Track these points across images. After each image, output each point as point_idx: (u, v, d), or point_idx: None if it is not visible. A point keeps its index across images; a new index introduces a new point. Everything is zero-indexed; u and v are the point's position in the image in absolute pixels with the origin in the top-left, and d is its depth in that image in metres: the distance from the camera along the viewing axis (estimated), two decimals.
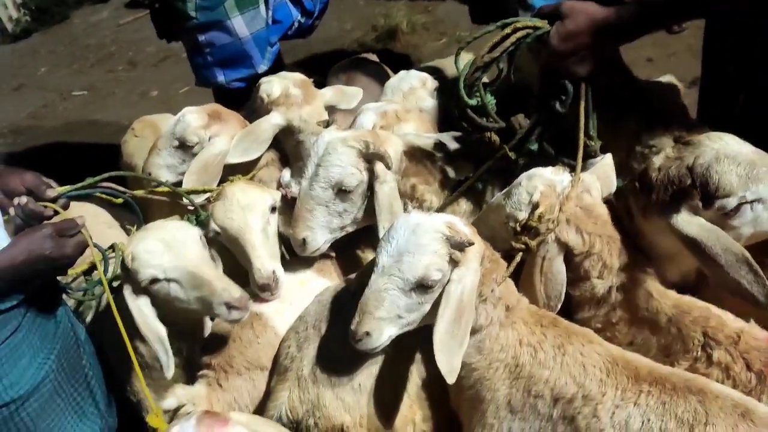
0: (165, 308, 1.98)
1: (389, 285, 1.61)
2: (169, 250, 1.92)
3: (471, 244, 1.61)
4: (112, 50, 7.84)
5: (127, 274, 1.94)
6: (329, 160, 2.08)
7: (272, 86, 2.65)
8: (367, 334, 1.62)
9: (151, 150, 2.67)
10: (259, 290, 2.14)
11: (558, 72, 1.93)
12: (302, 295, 2.15)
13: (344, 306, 1.90)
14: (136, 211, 2.21)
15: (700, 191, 1.64)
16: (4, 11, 9.26)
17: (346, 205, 2.13)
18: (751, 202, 1.63)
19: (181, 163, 2.61)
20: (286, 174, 2.67)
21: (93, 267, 2.02)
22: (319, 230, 2.14)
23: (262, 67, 3.41)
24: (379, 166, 2.09)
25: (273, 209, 2.27)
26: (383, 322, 1.62)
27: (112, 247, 2.07)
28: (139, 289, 1.94)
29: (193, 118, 2.57)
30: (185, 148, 2.58)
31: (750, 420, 1.45)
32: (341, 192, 2.09)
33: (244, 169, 2.59)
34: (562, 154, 2.02)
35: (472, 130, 2.09)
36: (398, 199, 2.15)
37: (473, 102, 2.04)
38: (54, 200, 1.86)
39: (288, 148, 2.68)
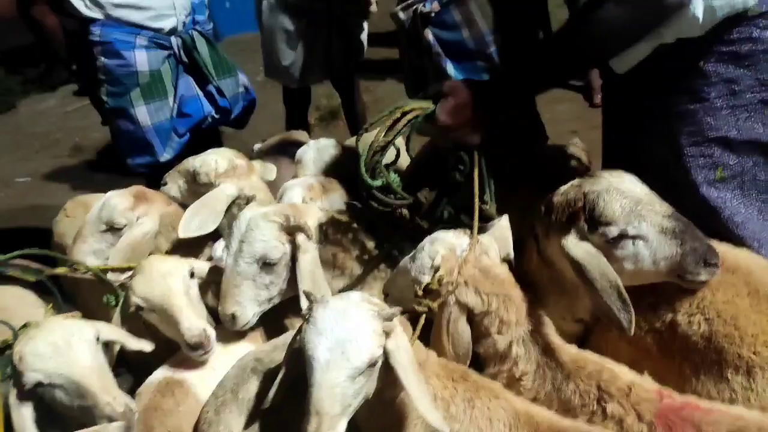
0: (52, 408, 1.95)
1: (339, 378, 1.53)
2: (58, 355, 1.88)
3: (401, 312, 1.66)
4: (58, 137, 7.88)
5: (14, 374, 1.91)
6: (252, 235, 2.17)
7: (216, 160, 2.75)
8: None
9: (76, 238, 2.70)
10: (191, 350, 2.13)
11: (452, 144, 2.10)
12: (226, 360, 2.15)
13: (263, 372, 1.92)
14: (53, 292, 2.21)
15: (587, 215, 1.80)
16: None
17: (271, 277, 2.20)
18: (633, 237, 1.77)
19: (109, 247, 2.65)
20: (219, 247, 2.71)
21: (6, 346, 1.99)
22: (248, 304, 2.20)
23: (165, 156, 3.57)
24: (301, 237, 2.18)
25: (192, 275, 2.31)
26: (337, 417, 1.54)
27: (26, 326, 2.05)
28: (24, 393, 1.90)
29: (118, 200, 2.66)
30: (113, 231, 2.64)
31: None
32: (266, 265, 2.17)
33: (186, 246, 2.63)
34: (467, 217, 2.13)
35: (382, 208, 2.22)
36: (320, 267, 2.23)
37: (378, 182, 2.18)
38: None
39: (227, 219, 2.73)
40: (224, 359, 2.18)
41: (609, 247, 1.79)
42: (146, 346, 2.14)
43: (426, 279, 1.89)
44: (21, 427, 1.89)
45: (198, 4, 3.71)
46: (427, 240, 1.98)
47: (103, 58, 3.44)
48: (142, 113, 3.48)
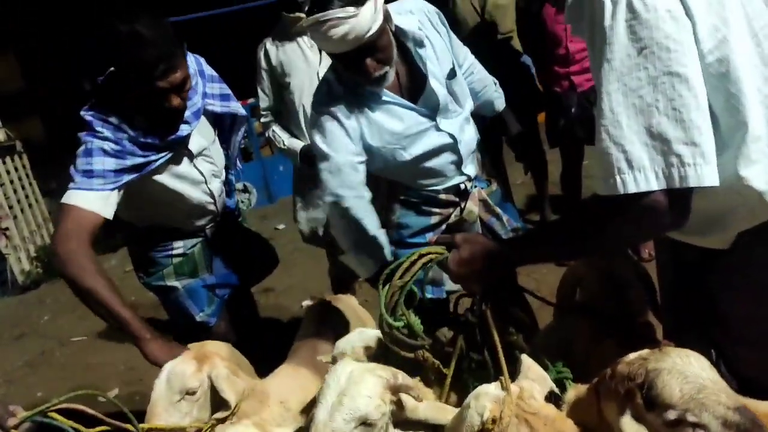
0: None
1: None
2: None
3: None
4: None
5: None
6: (355, 390, 1.93)
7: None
8: None
9: (149, 419, 2.49)
10: None
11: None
12: None
13: None
14: None
15: (644, 393, 1.73)
16: (17, 264, 9.67)
17: None
18: (693, 424, 1.65)
19: (185, 415, 2.51)
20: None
21: None
22: None
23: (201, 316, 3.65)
24: (406, 397, 2.02)
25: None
26: None
27: None
28: None
29: (184, 367, 2.56)
30: (188, 396, 2.51)
31: None
32: (364, 425, 1.91)
33: None
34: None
35: (403, 351, 2.29)
36: None
37: (400, 323, 2.27)
38: (16, 427, 1.94)
39: None
40: None
41: (667, 429, 1.69)
42: None
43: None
44: None
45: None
46: (471, 396, 1.97)
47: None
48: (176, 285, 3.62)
